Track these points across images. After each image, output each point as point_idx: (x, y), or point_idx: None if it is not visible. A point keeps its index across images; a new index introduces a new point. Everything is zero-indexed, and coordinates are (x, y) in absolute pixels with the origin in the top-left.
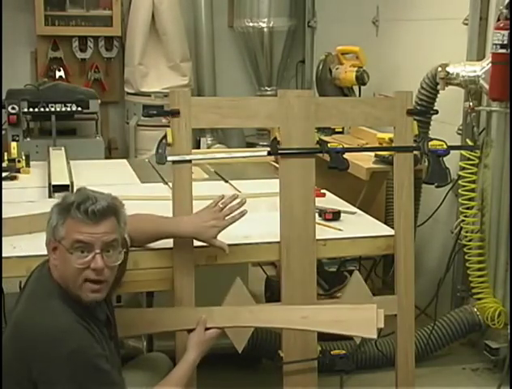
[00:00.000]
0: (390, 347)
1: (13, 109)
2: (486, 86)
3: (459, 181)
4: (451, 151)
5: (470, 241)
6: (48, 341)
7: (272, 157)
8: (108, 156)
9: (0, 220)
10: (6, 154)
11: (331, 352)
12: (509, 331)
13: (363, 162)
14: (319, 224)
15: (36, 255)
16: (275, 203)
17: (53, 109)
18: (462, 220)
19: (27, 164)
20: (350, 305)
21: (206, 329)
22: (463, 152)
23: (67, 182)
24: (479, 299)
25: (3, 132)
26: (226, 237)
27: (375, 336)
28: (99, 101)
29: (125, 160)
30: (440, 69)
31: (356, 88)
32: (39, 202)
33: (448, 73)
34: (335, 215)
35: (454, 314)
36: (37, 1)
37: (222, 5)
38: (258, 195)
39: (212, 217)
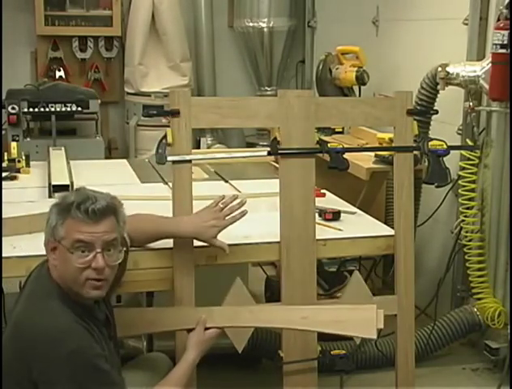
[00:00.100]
0: (390, 347)
1: (13, 109)
2: (486, 86)
3: (459, 181)
4: (451, 151)
5: (470, 241)
6: (47, 341)
7: (272, 157)
8: (108, 156)
9: (0, 220)
10: (6, 154)
11: (331, 352)
12: (509, 331)
13: (363, 162)
14: (319, 224)
15: (36, 255)
16: (275, 203)
17: (53, 109)
18: (462, 220)
19: (27, 164)
20: (350, 305)
21: (206, 329)
22: (463, 152)
23: (67, 182)
24: (479, 299)
25: (3, 132)
26: (226, 237)
27: (375, 337)
28: (99, 101)
29: (125, 160)
30: (440, 69)
31: (356, 88)
32: (39, 202)
33: (448, 73)
34: (335, 215)
35: (454, 314)
36: (37, 1)
37: (222, 5)
38: (258, 195)
39: (212, 217)
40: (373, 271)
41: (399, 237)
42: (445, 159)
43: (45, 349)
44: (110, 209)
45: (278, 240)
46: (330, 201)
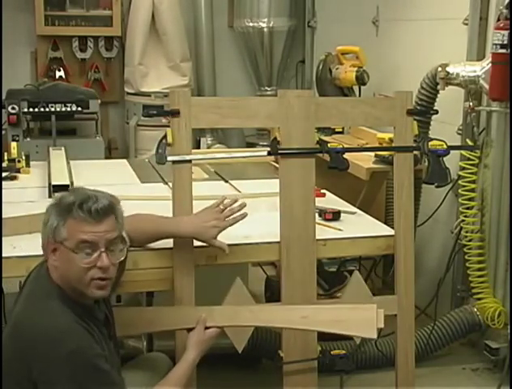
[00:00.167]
0: (390, 347)
1: (13, 109)
2: (486, 86)
3: (459, 181)
4: (451, 151)
5: (470, 241)
6: (47, 341)
7: (272, 157)
8: (108, 156)
9: (0, 220)
10: (6, 154)
11: (331, 352)
12: (509, 331)
13: (363, 162)
14: (319, 224)
15: (35, 255)
16: (275, 203)
17: (53, 109)
18: (462, 220)
19: (27, 164)
20: (350, 304)
21: (206, 328)
22: (463, 152)
23: (67, 182)
24: (479, 299)
25: (3, 132)
26: (226, 237)
27: (375, 336)
28: (99, 101)
29: (125, 160)
30: (440, 69)
31: (356, 88)
32: (39, 202)
33: (448, 73)
34: (335, 215)
35: (454, 314)
36: (37, 1)
37: (222, 5)
38: (258, 195)
39: (213, 217)
40: (373, 271)
41: (399, 237)
42: (445, 159)
43: (45, 349)
44: (111, 207)
45: (278, 240)
46: (330, 201)
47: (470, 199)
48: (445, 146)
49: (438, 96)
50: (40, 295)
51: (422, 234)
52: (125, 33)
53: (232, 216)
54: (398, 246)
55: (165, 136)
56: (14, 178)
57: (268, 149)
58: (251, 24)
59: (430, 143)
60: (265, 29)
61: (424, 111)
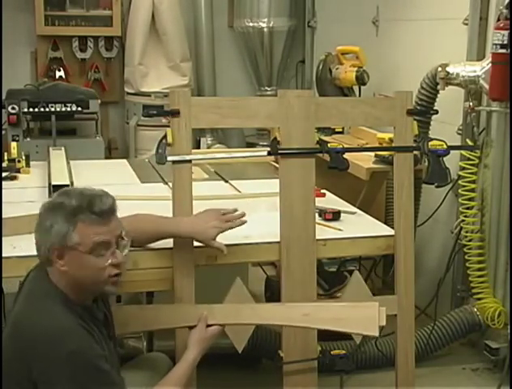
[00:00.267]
0: (390, 347)
1: (13, 109)
2: (486, 86)
3: (459, 181)
4: (451, 151)
5: (470, 241)
6: (48, 341)
7: (272, 157)
8: (108, 156)
9: (0, 219)
10: (6, 154)
11: (331, 352)
12: (509, 331)
13: (363, 162)
14: (319, 224)
15: (36, 255)
16: (275, 203)
17: (53, 109)
18: (462, 220)
19: (27, 164)
20: (352, 302)
21: (208, 326)
22: (463, 152)
23: (67, 182)
24: (479, 299)
25: (3, 132)
26: (226, 237)
27: (377, 334)
28: (99, 101)
29: (125, 160)
30: (440, 69)
31: (356, 88)
32: (39, 202)
33: (448, 73)
34: (335, 215)
35: (454, 314)
36: (37, 1)
37: (222, 5)
38: (258, 195)
39: (213, 219)
40: (373, 271)
41: (399, 237)
42: (445, 159)
43: (46, 349)
44: (114, 204)
45: (278, 240)
46: (330, 201)
47: (470, 199)
48: (445, 146)
49: (438, 96)
50: (40, 296)
51: (422, 234)
52: (125, 33)
53: (231, 221)
54: (398, 246)
55: (165, 136)
56: (14, 178)
57: (268, 149)
58: (251, 24)
59: (430, 143)
60: (265, 29)
61: (424, 111)
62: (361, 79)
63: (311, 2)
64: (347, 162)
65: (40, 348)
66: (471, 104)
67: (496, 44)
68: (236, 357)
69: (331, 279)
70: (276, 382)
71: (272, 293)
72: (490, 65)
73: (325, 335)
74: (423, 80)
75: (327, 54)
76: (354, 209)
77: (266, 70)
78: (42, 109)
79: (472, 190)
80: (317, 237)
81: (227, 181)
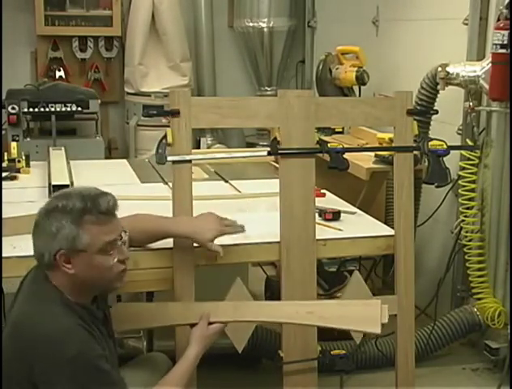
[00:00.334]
0: (390, 347)
1: (13, 109)
2: (486, 86)
3: (459, 181)
4: (451, 151)
5: (470, 241)
6: (48, 342)
7: (272, 157)
8: (108, 156)
9: (0, 220)
10: (6, 154)
11: (331, 352)
12: (509, 331)
13: (363, 162)
14: (319, 224)
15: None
16: (275, 203)
17: (53, 109)
18: (462, 220)
19: (27, 164)
20: (354, 300)
21: (210, 324)
22: (463, 152)
23: (67, 182)
24: (479, 299)
25: (3, 132)
26: (226, 236)
27: (379, 331)
28: (99, 101)
29: (125, 160)
30: (440, 69)
31: (356, 88)
32: (39, 202)
33: (448, 73)
34: (335, 215)
35: (454, 314)
36: (37, 1)
37: (222, 5)
38: (258, 195)
39: (213, 221)
40: (373, 271)
41: (399, 237)
42: (445, 159)
43: (46, 350)
44: (116, 201)
45: (278, 240)
46: (330, 201)
47: (470, 199)
48: (445, 146)
49: (438, 96)
50: (40, 296)
51: (422, 234)
52: (125, 33)
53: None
54: (398, 246)
55: (165, 136)
56: (14, 178)
57: (268, 149)
58: (251, 24)
59: (430, 143)
60: (265, 29)
61: (424, 111)
62: (361, 79)
63: (311, 2)
64: (347, 162)
65: (41, 348)
66: (471, 104)
67: (496, 44)
68: (236, 357)
69: (331, 279)
70: (276, 382)
71: (272, 293)
72: (490, 65)
73: (325, 335)
74: (423, 80)
75: (327, 54)
76: (354, 209)
77: (266, 70)
78: (42, 109)
79: (472, 190)
80: (317, 237)
81: (227, 181)
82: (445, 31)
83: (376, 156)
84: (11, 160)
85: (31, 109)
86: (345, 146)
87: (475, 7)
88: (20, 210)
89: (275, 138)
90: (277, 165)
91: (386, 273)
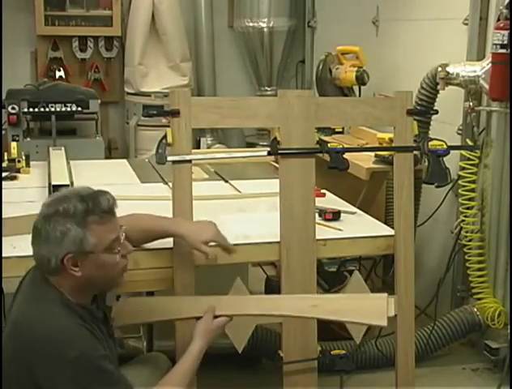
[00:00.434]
0: (390, 347)
1: (13, 109)
2: (486, 86)
3: (459, 181)
4: (451, 151)
5: (470, 241)
6: (49, 343)
7: (272, 157)
8: (108, 156)
9: (0, 220)
10: (6, 154)
11: (331, 352)
12: (509, 331)
13: (363, 162)
14: (319, 224)
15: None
16: (275, 203)
17: (53, 109)
18: (462, 220)
19: (27, 164)
20: (360, 294)
21: (214, 317)
22: (463, 152)
23: (67, 182)
24: (479, 299)
25: (3, 132)
26: (226, 237)
27: (385, 324)
28: (99, 101)
29: (125, 160)
30: (440, 69)
31: (356, 88)
32: (39, 202)
33: (448, 73)
34: (335, 215)
35: (454, 314)
36: (37, 1)
37: (222, 5)
38: (258, 195)
39: (210, 227)
40: (373, 271)
41: (399, 237)
42: (445, 159)
43: (48, 351)
44: (114, 198)
45: (278, 240)
46: (330, 201)
47: (470, 199)
48: (445, 146)
49: (438, 96)
50: (39, 297)
51: (422, 234)
52: (125, 33)
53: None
54: (398, 246)
55: (165, 136)
56: (14, 178)
57: (268, 149)
58: (251, 24)
59: (430, 143)
60: (265, 29)
61: (424, 111)
62: (361, 79)
63: (311, 2)
64: (347, 162)
65: (42, 349)
66: (471, 104)
67: (496, 44)
68: (236, 357)
69: (331, 279)
70: (276, 382)
71: (272, 293)
72: (490, 65)
73: (325, 335)
74: (423, 80)
75: (327, 54)
76: (354, 209)
77: (266, 70)
78: (42, 109)
79: (472, 190)
80: (317, 237)
81: (227, 181)
82: (445, 31)
83: (376, 156)
84: (11, 160)
85: (31, 109)
86: (345, 146)
87: (475, 7)
88: (20, 210)
89: (275, 138)
90: (277, 165)
91: (386, 273)
